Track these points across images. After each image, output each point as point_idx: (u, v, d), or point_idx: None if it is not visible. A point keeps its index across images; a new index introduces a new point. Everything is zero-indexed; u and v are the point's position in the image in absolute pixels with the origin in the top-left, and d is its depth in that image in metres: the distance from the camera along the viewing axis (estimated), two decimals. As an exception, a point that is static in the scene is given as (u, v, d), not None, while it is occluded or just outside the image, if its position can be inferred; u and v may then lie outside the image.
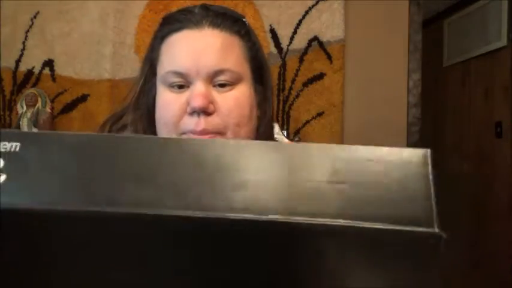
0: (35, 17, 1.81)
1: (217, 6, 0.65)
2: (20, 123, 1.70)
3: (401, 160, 0.26)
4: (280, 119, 1.86)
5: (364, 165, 0.26)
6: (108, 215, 0.24)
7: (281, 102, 1.87)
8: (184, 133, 0.60)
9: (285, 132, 1.70)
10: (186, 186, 0.25)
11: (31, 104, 1.71)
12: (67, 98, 1.82)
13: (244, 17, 0.67)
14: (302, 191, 0.25)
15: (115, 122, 0.67)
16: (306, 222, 0.24)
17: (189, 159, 0.26)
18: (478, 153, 2.69)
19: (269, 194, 0.25)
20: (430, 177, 0.25)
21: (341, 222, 0.24)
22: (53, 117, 1.77)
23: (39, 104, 1.71)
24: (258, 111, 0.66)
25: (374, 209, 0.24)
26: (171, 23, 0.64)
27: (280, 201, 0.25)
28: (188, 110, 0.59)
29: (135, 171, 0.25)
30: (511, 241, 2.27)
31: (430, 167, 0.26)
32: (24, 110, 1.71)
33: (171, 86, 0.61)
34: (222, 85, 0.60)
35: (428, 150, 0.26)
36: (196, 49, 0.60)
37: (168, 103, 0.61)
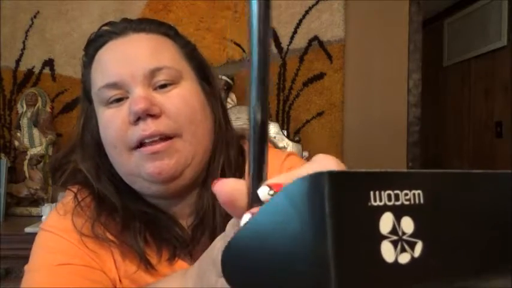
0: (35, 16, 1.81)
1: (141, 18, 0.61)
2: (20, 123, 1.70)
3: None
4: (280, 118, 1.86)
5: None
6: None
7: (281, 102, 1.87)
8: (133, 148, 0.52)
9: (285, 132, 1.70)
10: None
11: (31, 104, 1.71)
12: (67, 98, 1.82)
13: (171, 24, 0.62)
14: None
15: (63, 165, 0.59)
16: None
17: None
18: (478, 153, 2.69)
19: None
20: None
21: None
22: (53, 116, 1.77)
23: (39, 104, 1.71)
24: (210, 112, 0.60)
25: None
26: (95, 41, 0.58)
27: None
28: (131, 118, 0.52)
29: None
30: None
31: None
32: (24, 110, 1.71)
33: (109, 102, 0.54)
34: (162, 86, 0.54)
35: None
36: (126, 54, 0.55)
37: (109, 120, 0.53)
